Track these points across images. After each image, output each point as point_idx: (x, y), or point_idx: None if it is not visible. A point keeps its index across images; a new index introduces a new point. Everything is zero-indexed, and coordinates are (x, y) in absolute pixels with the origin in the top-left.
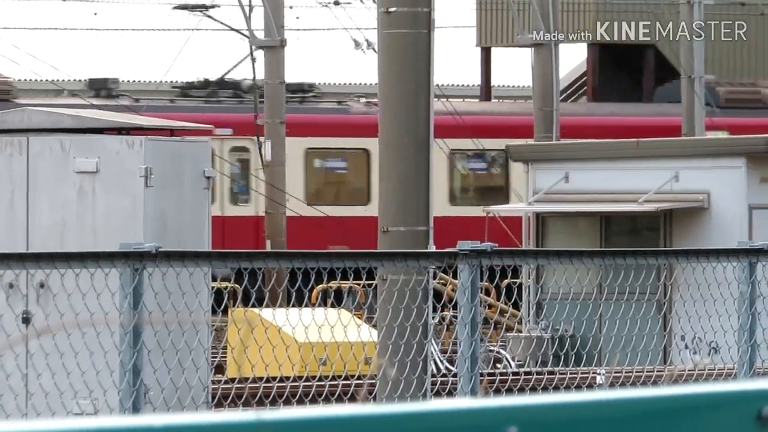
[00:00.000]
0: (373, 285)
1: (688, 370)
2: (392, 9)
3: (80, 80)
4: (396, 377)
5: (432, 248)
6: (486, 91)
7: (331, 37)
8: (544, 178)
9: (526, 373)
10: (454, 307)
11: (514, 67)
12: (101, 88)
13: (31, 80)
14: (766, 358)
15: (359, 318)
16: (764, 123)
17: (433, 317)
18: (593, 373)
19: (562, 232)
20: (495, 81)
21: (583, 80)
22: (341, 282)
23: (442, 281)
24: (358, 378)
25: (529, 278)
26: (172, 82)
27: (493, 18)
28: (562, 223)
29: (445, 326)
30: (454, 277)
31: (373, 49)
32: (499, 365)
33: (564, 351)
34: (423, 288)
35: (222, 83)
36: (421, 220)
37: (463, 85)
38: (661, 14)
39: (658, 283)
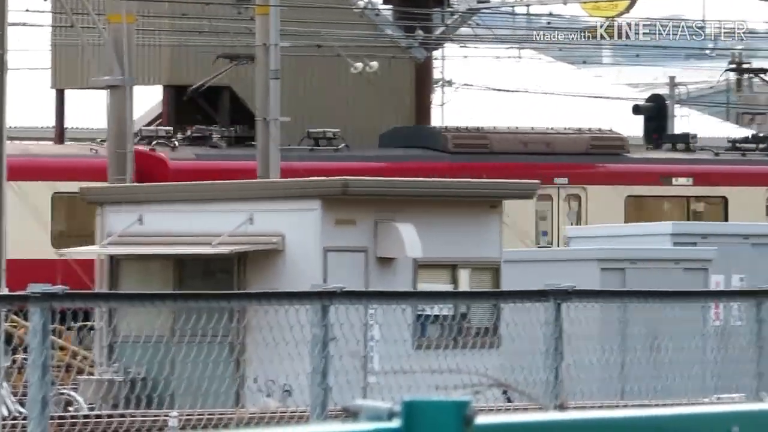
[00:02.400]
0: None
1: (260, 413)
2: None
3: None
4: None
5: (3, 291)
6: (60, 133)
7: None
8: (117, 220)
9: (98, 416)
10: (26, 350)
11: (89, 109)
12: None
13: None
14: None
15: None
16: None
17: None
18: (165, 415)
19: (136, 275)
20: (69, 123)
21: (158, 122)
22: None
23: (13, 324)
24: None
25: (101, 321)
26: None
27: (68, 60)
28: (136, 266)
29: (17, 369)
30: (26, 319)
31: None
32: (71, 408)
33: (136, 394)
34: None
35: None
36: None
37: (39, 128)
38: (237, 56)
39: (231, 326)
